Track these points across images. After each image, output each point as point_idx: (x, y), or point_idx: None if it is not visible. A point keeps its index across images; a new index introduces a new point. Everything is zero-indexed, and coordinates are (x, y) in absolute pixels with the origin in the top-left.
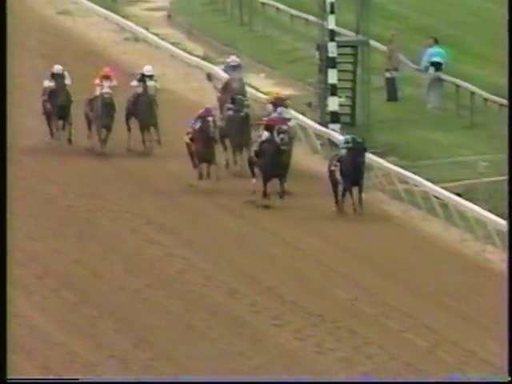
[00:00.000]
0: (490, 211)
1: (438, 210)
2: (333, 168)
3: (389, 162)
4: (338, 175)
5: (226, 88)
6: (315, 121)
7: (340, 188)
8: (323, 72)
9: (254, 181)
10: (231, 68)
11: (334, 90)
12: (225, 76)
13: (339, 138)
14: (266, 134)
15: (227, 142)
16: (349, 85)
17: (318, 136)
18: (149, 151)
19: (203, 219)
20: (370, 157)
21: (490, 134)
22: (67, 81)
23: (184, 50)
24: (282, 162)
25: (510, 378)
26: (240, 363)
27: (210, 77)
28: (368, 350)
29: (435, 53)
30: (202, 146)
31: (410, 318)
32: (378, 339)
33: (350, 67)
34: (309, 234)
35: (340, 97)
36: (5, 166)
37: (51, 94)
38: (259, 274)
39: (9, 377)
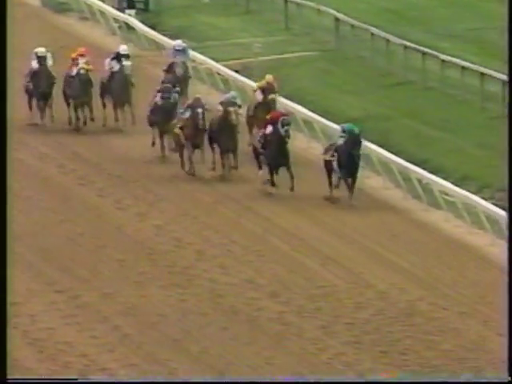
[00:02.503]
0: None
1: (220, 85)
2: (329, 158)
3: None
4: (335, 165)
5: (169, 71)
6: (113, 7)
7: (334, 177)
8: None
9: (261, 172)
10: (176, 52)
11: None
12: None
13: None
14: (269, 128)
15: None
16: None
17: (116, 20)
18: (121, 128)
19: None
20: (160, 37)
21: (264, 19)
22: (49, 62)
23: None
24: (286, 151)
25: (510, 378)
26: (51, 219)
27: None
28: (161, 205)
29: None
30: (192, 135)
31: (198, 180)
32: (170, 196)
33: None
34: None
35: None
36: None
37: (34, 76)
38: (66, 141)
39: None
